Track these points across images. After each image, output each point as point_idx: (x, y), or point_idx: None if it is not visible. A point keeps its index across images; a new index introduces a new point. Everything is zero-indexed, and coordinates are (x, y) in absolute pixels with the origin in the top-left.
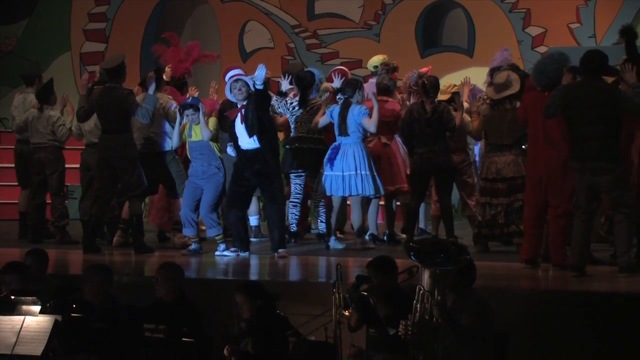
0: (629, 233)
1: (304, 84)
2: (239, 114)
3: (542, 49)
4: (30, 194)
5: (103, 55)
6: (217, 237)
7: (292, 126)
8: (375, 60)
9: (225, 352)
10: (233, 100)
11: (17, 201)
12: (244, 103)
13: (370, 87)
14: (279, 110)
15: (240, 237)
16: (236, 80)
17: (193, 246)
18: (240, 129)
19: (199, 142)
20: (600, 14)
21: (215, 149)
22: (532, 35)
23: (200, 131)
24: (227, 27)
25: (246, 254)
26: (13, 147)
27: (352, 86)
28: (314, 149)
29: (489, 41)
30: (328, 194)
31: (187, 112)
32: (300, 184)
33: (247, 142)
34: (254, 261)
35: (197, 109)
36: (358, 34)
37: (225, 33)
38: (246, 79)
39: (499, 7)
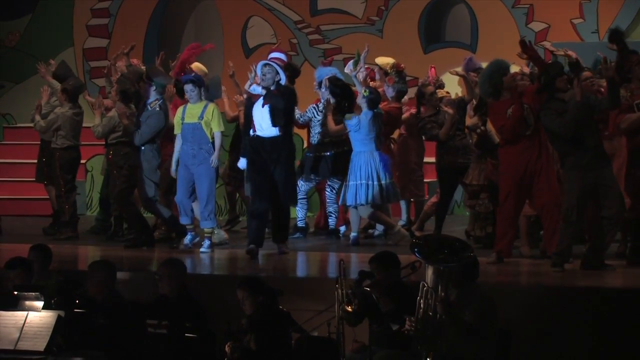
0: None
1: (338, 93)
2: (262, 99)
3: (545, 45)
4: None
5: (106, 51)
6: (206, 231)
7: (318, 130)
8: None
9: (226, 348)
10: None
11: (24, 197)
12: (271, 88)
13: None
14: (308, 115)
15: (257, 232)
16: (266, 65)
17: (186, 240)
18: (259, 114)
19: (192, 124)
20: (603, 9)
21: (208, 133)
22: (535, 31)
23: (195, 112)
24: (230, 23)
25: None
26: (20, 142)
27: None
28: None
29: (492, 37)
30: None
31: (186, 87)
32: (309, 184)
33: (266, 127)
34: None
35: (197, 85)
36: (361, 29)
37: (228, 28)
38: (278, 67)
39: (502, 2)
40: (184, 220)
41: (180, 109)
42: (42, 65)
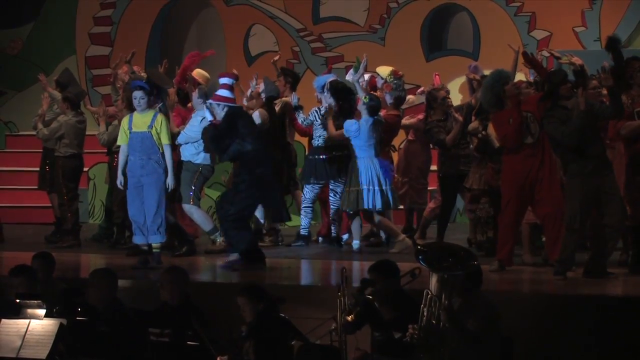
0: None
1: (339, 95)
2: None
3: (547, 53)
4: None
5: (108, 58)
6: (154, 246)
7: (320, 133)
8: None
9: None
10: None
11: (26, 205)
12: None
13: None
14: (310, 118)
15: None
16: (210, 104)
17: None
18: None
19: (140, 134)
20: (605, 17)
21: (156, 142)
22: (537, 39)
23: (144, 121)
24: (232, 31)
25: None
26: (22, 150)
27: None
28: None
29: (494, 45)
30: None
31: (136, 93)
32: (313, 191)
33: None
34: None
35: (147, 93)
36: (363, 37)
37: (230, 36)
38: (215, 104)
39: (504, 10)
40: (137, 239)
41: (126, 119)
42: (42, 75)
